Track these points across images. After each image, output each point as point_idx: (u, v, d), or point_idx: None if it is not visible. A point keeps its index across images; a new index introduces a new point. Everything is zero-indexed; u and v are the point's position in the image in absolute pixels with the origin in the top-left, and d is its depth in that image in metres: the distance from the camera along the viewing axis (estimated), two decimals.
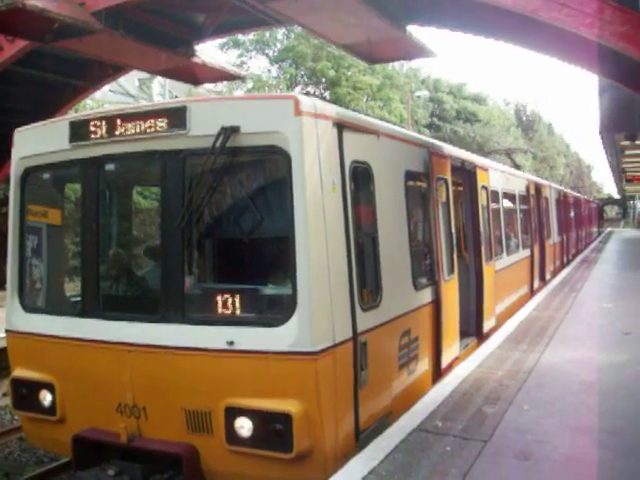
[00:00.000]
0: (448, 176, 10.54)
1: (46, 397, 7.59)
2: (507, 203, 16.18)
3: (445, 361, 9.73)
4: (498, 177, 14.98)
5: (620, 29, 11.28)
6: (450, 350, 10.03)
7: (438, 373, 9.55)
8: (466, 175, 12.13)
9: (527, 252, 18.05)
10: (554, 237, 23.87)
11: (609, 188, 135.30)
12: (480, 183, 12.40)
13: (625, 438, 6.80)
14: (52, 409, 7.57)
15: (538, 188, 20.82)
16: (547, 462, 6.23)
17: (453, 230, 10.60)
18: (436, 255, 9.69)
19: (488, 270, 12.34)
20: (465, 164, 11.89)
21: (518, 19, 12.39)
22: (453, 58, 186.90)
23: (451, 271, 10.30)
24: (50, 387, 7.55)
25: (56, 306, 8.39)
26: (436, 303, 9.53)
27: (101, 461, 7.12)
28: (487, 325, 12.22)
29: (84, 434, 7.16)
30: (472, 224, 12.18)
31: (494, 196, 14.19)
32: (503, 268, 14.29)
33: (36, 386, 7.66)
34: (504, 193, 15.48)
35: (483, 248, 12.17)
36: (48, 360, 7.60)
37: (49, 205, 8.50)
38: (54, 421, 7.59)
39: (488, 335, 12.05)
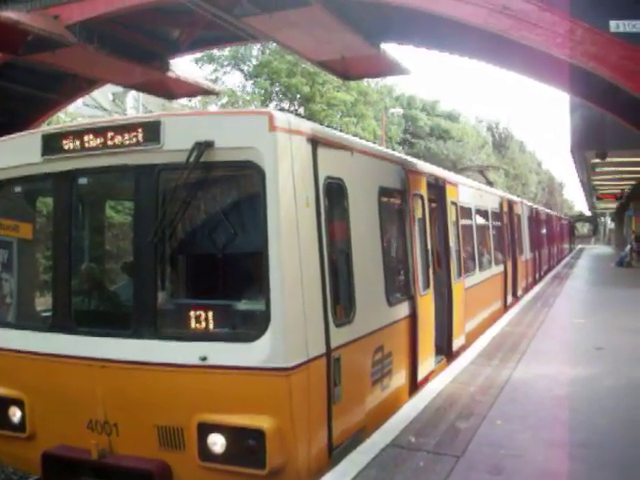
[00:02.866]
0: (424, 192, 10.63)
1: (15, 413, 7.45)
2: (479, 219, 16.24)
3: (421, 374, 9.78)
4: (470, 193, 15.07)
5: (590, 49, 11.46)
6: (426, 363, 10.08)
7: (414, 386, 9.60)
8: (437, 191, 12.19)
9: (500, 268, 18.15)
10: (526, 253, 24.06)
11: (580, 205, 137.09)
12: (449, 199, 12.42)
13: (598, 452, 6.85)
14: (21, 426, 7.43)
15: (510, 205, 20.98)
16: (520, 476, 6.26)
17: (429, 246, 10.70)
18: (413, 270, 9.76)
19: (457, 287, 12.29)
20: (438, 180, 11.97)
21: (490, 38, 12.56)
22: (426, 75, 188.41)
23: (427, 286, 10.38)
24: (19, 403, 7.41)
25: (26, 321, 8.26)
26: (412, 317, 9.58)
27: (72, 479, 7.02)
28: (456, 343, 12.02)
29: (54, 451, 7.04)
30: (442, 240, 12.20)
31: (465, 212, 14.26)
32: (474, 285, 14.28)
33: (5, 402, 7.52)
34: (476, 210, 15.56)
35: (452, 265, 12.17)
36: (18, 376, 7.47)
37: (20, 219, 8.40)
38: (23, 438, 7.44)
39: (458, 353, 11.98)
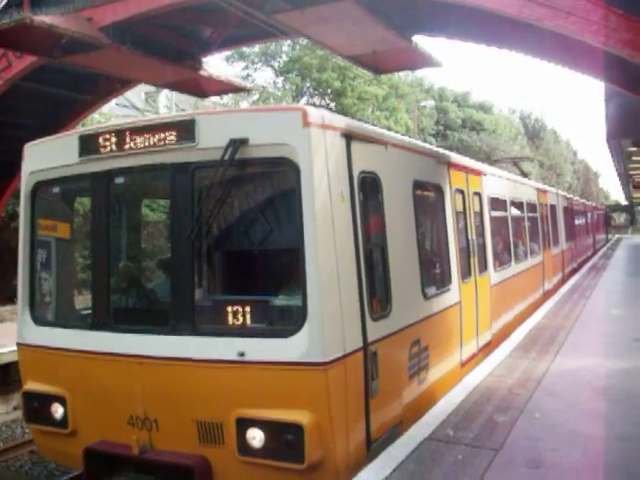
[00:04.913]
0: (463, 186, 10.73)
1: (57, 410, 7.62)
2: (514, 211, 16.05)
3: (465, 355, 10.17)
4: (503, 185, 14.93)
5: (626, 36, 11.26)
6: (469, 346, 10.43)
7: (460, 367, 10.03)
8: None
9: (536, 260, 17.95)
10: (562, 245, 23.82)
11: (616, 195, 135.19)
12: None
13: (637, 445, 6.77)
14: (63, 422, 7.60)
15: (545, 196, 20.80)
16: (559, 470, 6.23)
17: (471, 237, 11.04)
18: (456, 260, 10.13)
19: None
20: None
21: (523, 27, 12.40)
22: (456, 67, 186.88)
23: (468, 274, 10.70)
24: (61, 400, 7.57)
25: (67, 319, 8.42)
26: (458, 304, 9.98)
27: (113, 474, 7.14)
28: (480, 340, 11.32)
29: (96, 446, 7.18)
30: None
31: (500, 204, 14.12)
32: (505, 280, 13.83)
33: (48, 399, 7.69)
34: (511, 201, 15.39)
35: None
36: (59, 373, 7.63)
37: (58, 219, 8.55)
38: (66, 434, 7.61)
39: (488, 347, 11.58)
